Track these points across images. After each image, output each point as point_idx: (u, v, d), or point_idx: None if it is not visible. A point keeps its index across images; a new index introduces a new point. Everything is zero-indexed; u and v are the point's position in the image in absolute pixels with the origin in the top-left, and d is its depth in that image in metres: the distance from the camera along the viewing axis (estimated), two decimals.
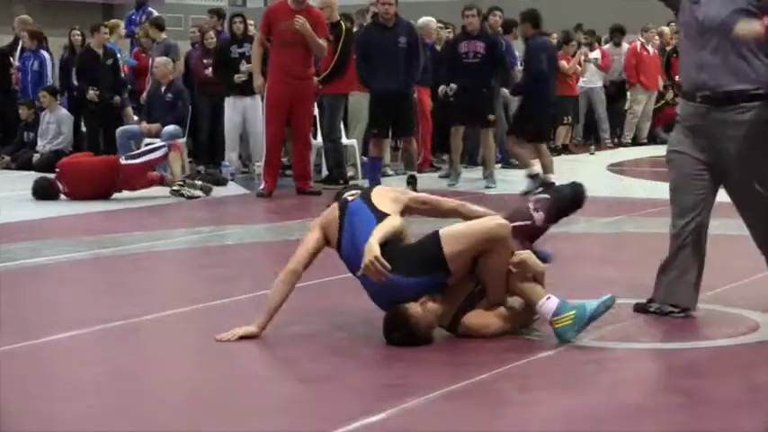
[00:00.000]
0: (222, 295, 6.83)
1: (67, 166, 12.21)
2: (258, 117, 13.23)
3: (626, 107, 19.96)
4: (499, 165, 14.41)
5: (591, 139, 19.63)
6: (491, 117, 13.17)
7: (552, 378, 5.08)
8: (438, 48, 14.95)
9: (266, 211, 11.48)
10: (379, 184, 11.18)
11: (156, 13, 17.76)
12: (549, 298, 5.49)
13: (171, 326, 6.18)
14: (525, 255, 5.54)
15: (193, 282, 7.92)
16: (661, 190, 12.34)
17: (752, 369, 5.24)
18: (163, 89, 14.40)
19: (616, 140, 19.73)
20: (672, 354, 5.52)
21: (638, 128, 19.87)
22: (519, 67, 15.81)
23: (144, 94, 15.28)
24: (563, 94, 18.29)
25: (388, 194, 5.84)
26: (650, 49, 19.70)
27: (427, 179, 13.41)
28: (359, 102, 13.74)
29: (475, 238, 5.45)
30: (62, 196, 11.87)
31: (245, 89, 13.50)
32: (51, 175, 12.22)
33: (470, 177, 13.79)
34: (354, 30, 14.00)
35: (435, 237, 5.48)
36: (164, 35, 16.06)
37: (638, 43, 19.67)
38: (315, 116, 13.46)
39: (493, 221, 5.53)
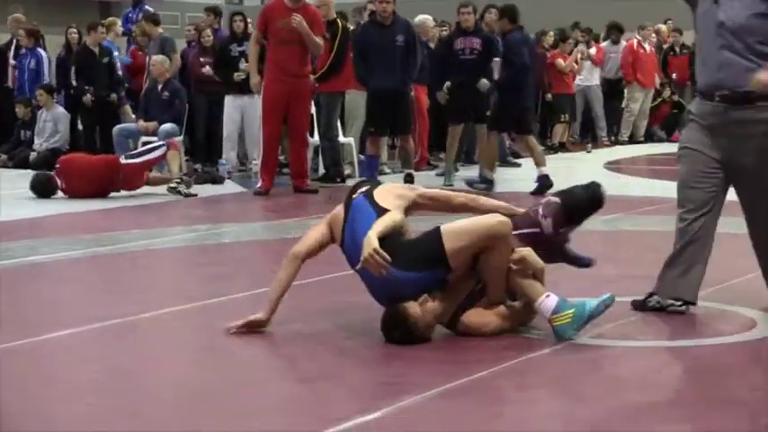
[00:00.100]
0: (219, 293, 6.83)
1: (68, 162, 12.22)
2: (256, 116, 13.23)
3: (623, 105, 19.97)
4: (497, 162, 14.39)
5: (588, 137, 19.64)
6: (488, 113, 13.18)
7: (550, 376, 5.09)
8: (432, 45, 14.95)
9: (263, 209, 11.48)
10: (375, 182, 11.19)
11: (151, 10, 17.75)
12: (549, 296, 5.49)
13: (168, 324, 6.18)
14: (525, 252, 5.54)
15: (191, 280, 7.92)
16: (658, 188, 12.47)
17: (750, 367, 5.24)
18: (159, 87, 14.41)
19: (613, 138, 19.75)
20: (670, 351, 5.53)
21: (635, 126, 19.89)
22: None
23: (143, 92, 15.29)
24: (560, 92, 18.36)
25: (395, 191, 5.85)
26: (647, 47, 19.72)
27: (424, 177, 13.42)
28: (356, 100, 13.75)
29: (476, 234, 5.44)
30: (60, 193, 11.88)
31: (245, 87, 13.51)
32: (50, 172, 12.24)
33: (467, 176, 13.76)
34: (351, 28, 14.00)
35: (437, 232, 5.48)
36: (160, 29, 16.05)
37: (635, 41, 19.69)
38: (312, 114, 13.46)
39: (494, 219, 5.52)
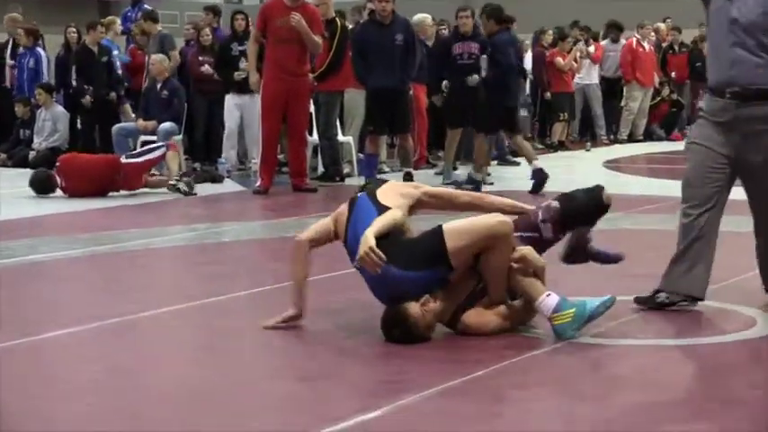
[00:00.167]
0: (218, 292, 6.82)
1: (68, 161, 12.22)
2: (256, 114, 13.22)
3: (622, 104, 19.97)
4: (495, 162, 14.40)
5: (587, 136, 19.63)
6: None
7: (550, 375, 5.08)
8: (429, 44, 14.94)
9: (262, 208, 11.48)
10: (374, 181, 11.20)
11: (150, 8, 17.73)
12: (550, 295, 5.49)
13: (168, 322, 6.18)
14: (526, 250, 5.54)
15: (190, 278, 7.91)
16: (657, 186, 12.46)
17: (751, 365, 5.25)
18: (159, 86, 14.40)
19: (612, 137, 19.75)
20: (670, 350, 5.52)
21: (634, 124, 19.89)
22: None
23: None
24: (559, 90, 18.36)
25: (399, 189, 5.86)
26: (646, 45, 19.71)
27: (423, 176, 13.40)
28: (355, 99, 13.74)
29: (477, 234, 5.44)
30: (59, 191, 11.88)
31: (244, 86, 13.49)
32: (50, 170, 12.24)
33: (465, 175, 13.77)
34: (350, 27, 14.00)
35: (438, 231, 5.48)
36: (159, 27, 16.04)
37: (634, 40, 19.68)
38: (311, 113, 13.45)
39: (496, 218, 5.52)
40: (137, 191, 12.08)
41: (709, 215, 6.02)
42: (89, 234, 9.41)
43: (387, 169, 14.11)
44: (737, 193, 6.20)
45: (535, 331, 5.66)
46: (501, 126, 12.92)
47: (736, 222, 6.44)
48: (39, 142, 15.78)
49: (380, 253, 5.36)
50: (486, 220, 5.52)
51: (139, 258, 8.37)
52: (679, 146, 18.46)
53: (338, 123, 13.97)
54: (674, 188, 11.27)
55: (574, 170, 15.42)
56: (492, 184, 12.91)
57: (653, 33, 20.29)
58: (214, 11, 16.41)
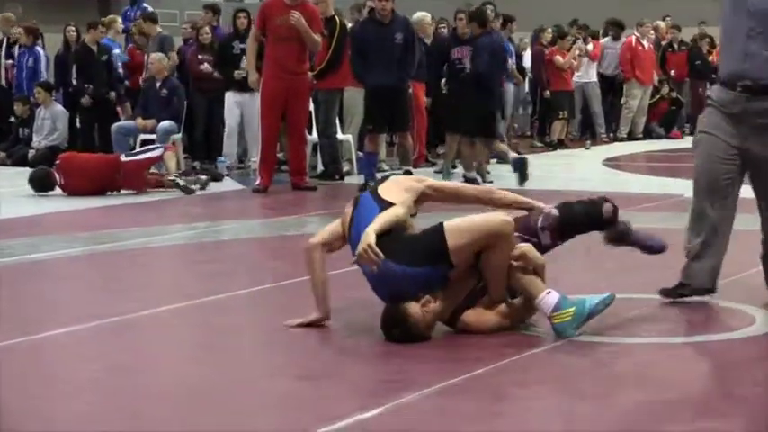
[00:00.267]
0: (218, 291, 6.82)
1: (68, 160, 12.22)
2: (255, 113, 13.21)
3: (621, 102, 19.96)
4: (494, 160, 14.38)
5: (587, 134, 19.62)
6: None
7: (550, 373, 5.08)
8: (427, 41, 14.92)
9: (262, 206, 11.47)
10: (374, 179, 11.19)
11: (149, 9, 17.73)
12: (550, 292, 5.48)
13: (167, 321, 6.18)
14: (526, 247, 5.54)
15: (189, 277, 7.91)
16: (656, 185, 12.45)
17: (752, 363, 5.24)
18: (158, 85, 14.39)
19: (612, 135, 19.74)
20: (670, 348, 5.51)
21: (634, 123, 19.87)
22: (511, 61, 15.94)
23: None
24: (558, 88, 18.35)
25: (403, 184, 5.84)
26: (645, 43, 19.70)
27: (422, 174, 13.36)
28: (354, 97, 13.73)
29: (479, 232, 5.44)
30: (58, 189, 11.87)
31: (244, 85, 13.46)
32: (50, 168, 12.24)
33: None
34: (349, 25, 13.98)
35: (439, 229, 5.47)
36: (158, 28, 16.03)
37: (634, 38, 19.66)
38: (310, 111, 13.44)
39: (498, 217, 5.52)
40: (138, 192, 12.06)
41: (722, 207, 6.03)
42: (88, 233, 9.41)
43: (386, 168, 14.09)
44: (744, 191, 6.20)
45: (535, 329, 5.65)
46: (474, 131, 12.87)
47: (744, 221, 6.42)
48: (38, 141, 15.76)
49: (378, 250, 5.35)
50: (488, 219, 5.52)
51: (139, 257, 8.37)
52: (678, 144, 18.50)
53: (338, 122, 13.96)
54: (673, 186, 11.27)
55: (573, 168, 15.43)
56: (491, 182, 12.90)
57: (652, 31, 20.27)
58: (213, 9, 16.38)
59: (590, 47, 19.36)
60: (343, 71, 13.24)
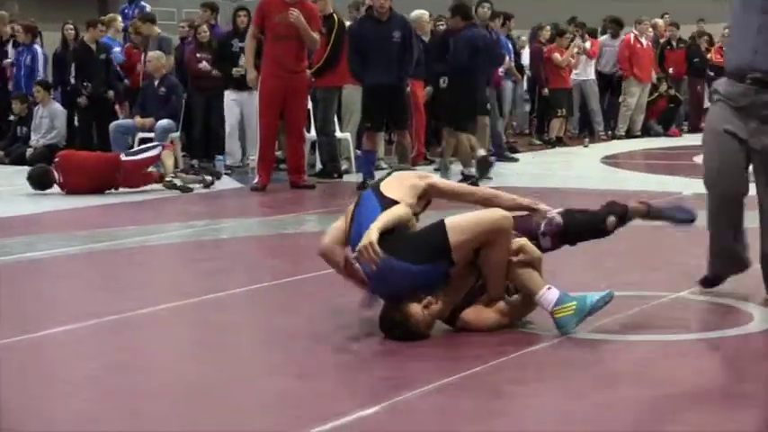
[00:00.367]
0: (216, 289, 6.82)
1: (67, 158, 12.21)
2: (254, 111, 13.20)
3: (620, 100, 19.97)
4: (494, 158, 14.38)
5: (585, 132, 19.63)
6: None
7: (549, 370, 5.08)
8: (425, 39, 14.92)
9: (260, 204, 11.47)
10: (372, 177, 11.20)
11: (148, 8, 17.72)
12: (550, 288, 5.49)
13: (165, 320, 6.18)
14: (523, 241, 5.54)
15: (187, 276, 7.90)
16: (654, 182, 12.45)
17: (751, 360, 5.24)
18: (156, 83, 14.39)
19: (610, 133, 19.74)
20: (669, 346, 5.50)
21: (632, 120, 19.87)
22: (509, 59, 15.96)
23: None
24: (557, 86, 18.35)
25: (407, 180, 5.81)
26: (644, 41, 19.70)
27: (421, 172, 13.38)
28: (352, 95, 13.73)
29: (480, 228, 5.43)
30: (56, 187, 11.87)
31: (243, 83, 13.46)
32: (49, 166, 12.24)
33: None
34: (347, 23, 13.98)
35: (441, 226, 5.47)
36: (157, 29, 16.01)
37: (632, 36, 19.66)
38: (308, 109, 13.44)
39: (498, 213, 5.52)
40: (137, 189, 12.05)
41: (735, 200, 6.04)
42: (87, 231, 9.41)
43: (384, 166, 14.09)
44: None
45: (534, 327, 5.65)
46: (449, 121, 12.92)
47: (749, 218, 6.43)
48: (36, 139, 15.76)
49: (378, 249, 5.35)
50: (489, 215, 5.52)
51: (137, 255, 8.37)
52: (676, 141, 18.51)
53: (336, 120, 13.96)
54: (671, 184, 11.28)
55: (572, 166, 15.43)
56: (491, 179, 12.91)
57: (651, 29, 20.28)
58: (211, 7, 16.35)
59: (588, 44, 19.36)
60: (342, 69, 13.23)
